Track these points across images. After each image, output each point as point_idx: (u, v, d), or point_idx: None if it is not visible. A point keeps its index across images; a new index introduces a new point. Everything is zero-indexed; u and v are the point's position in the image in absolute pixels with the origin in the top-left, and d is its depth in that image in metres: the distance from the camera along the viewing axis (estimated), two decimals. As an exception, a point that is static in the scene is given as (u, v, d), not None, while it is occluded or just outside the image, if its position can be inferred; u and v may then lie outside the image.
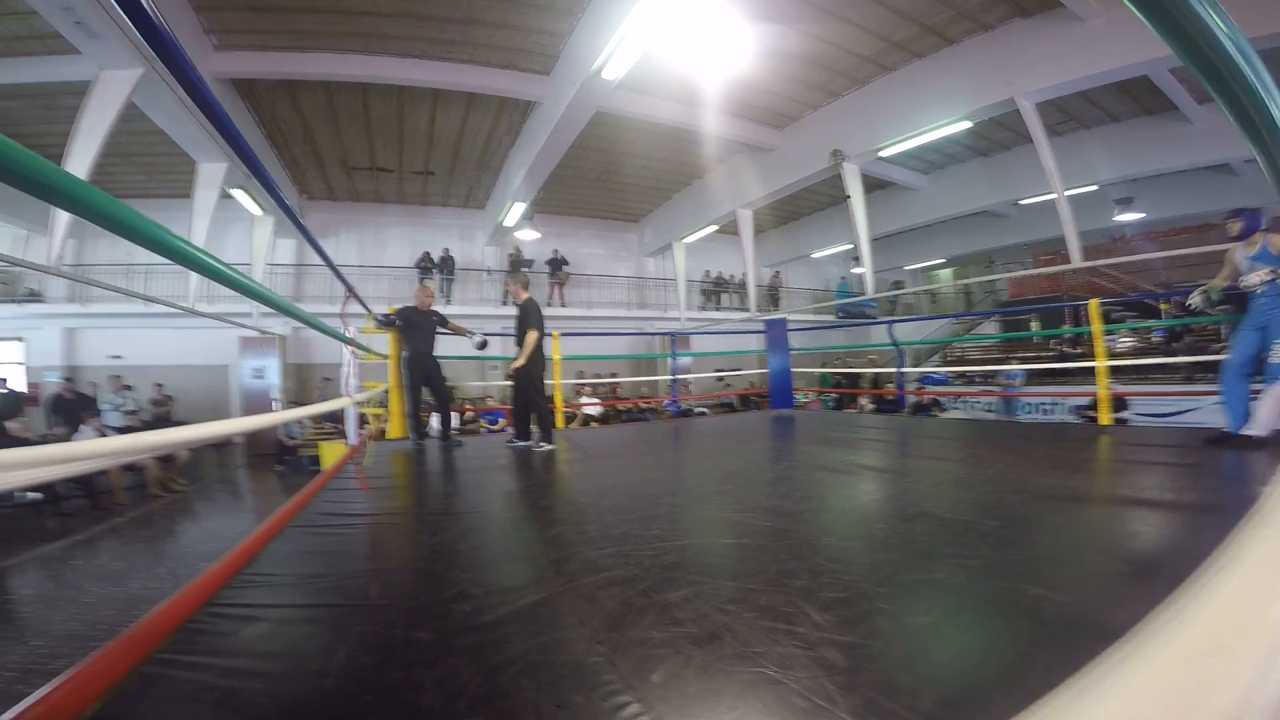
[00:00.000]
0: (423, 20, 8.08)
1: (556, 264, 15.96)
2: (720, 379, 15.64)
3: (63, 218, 7.58)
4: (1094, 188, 12.51)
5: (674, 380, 8.52)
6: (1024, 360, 14.09)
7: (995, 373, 11.99)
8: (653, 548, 2.07)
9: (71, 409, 9.68)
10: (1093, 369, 5.40)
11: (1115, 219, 13.77)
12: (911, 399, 9.84)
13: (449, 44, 8.64)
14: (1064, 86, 8.29)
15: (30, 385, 12.66)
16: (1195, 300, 4.31)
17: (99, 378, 11.44)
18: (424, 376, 5.42)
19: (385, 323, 5.51)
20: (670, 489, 3.30)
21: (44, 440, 8.72)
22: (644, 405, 12.94)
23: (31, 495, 7.56)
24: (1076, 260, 8.72)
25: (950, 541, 2.05)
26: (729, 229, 15.04)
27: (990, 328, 16.93)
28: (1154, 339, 11.75)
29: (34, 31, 7.35)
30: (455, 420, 6.94)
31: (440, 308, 6.18)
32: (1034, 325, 14.87)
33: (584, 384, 12.79)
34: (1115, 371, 9.19)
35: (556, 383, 7.24)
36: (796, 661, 1.24)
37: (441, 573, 1.94)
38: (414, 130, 11.47)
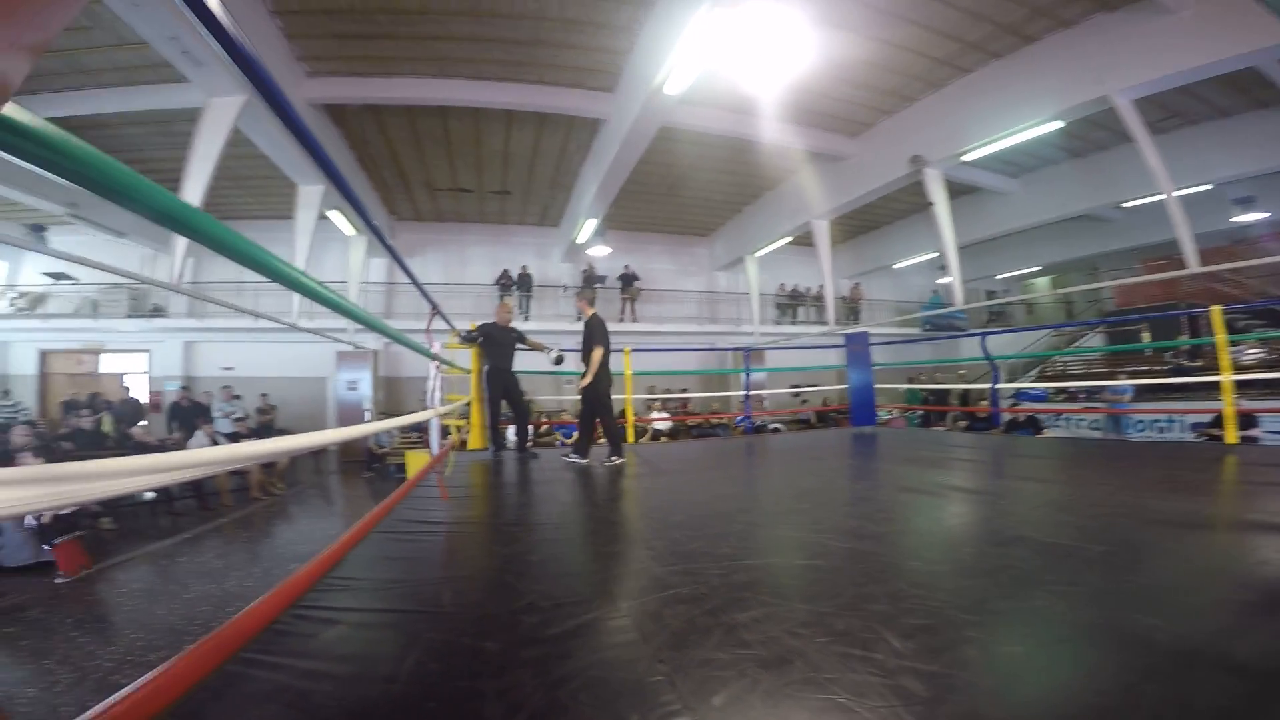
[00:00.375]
0: (491, 43, 8.42)
1: (628, 280, 16.12)
2: (796, 395, 15.26)
3: (182, 239, 8.26)
4: (1208, 187, 11.40)
5: (747, 396, 8.36)
6: (1133, 374, 12.95)
7: (1101, 388, 11.08)
8: (722, 566, 2.01)
9: (188, 415, 10.58)
10: (1216, 383, 4.86)
11: (1234, 220, 12.50)
12: (1007, 416, 9.23)
13: (517, 65, 8.96)
14: (1160, 82, 7.68)
15: (152, 393, 13.98)
16: None
17: (212, 387, 12.46)
18: (503, 390, 5.55)
19: (467, 339, 5.70)
20: (742, 507, 3.21)
21: (163, 444, 9.58)
22: (715, 421, 12.78)
23: (148, 495, 8.30)
24: (1193, 265, 7.95)
25: (1051, 567, 1.87)
26: (804, 240, 14.72)
27: (1095, 340, 15.71)
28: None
29: (148, 61, 8.06)
30: (530, 433, 7.08)
31: (518, 324, 6.38)
32: (1145, 336, 13.66)
33: (655, 399, 12.79)
34: (1242, 385, 8.32)
35: (628, 397, 7.26)
36: (872, 690, 1.15)
37: (512, 583, 1.95)
38: (491, 151, 11.93)
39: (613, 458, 4.93)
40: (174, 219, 1.05)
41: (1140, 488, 3.16)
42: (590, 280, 15.76)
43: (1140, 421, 10.12)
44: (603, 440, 5.33)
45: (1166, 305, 14.19)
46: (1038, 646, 1.34)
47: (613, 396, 5.32)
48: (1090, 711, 1.07)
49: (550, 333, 13.57)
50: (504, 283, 15.50)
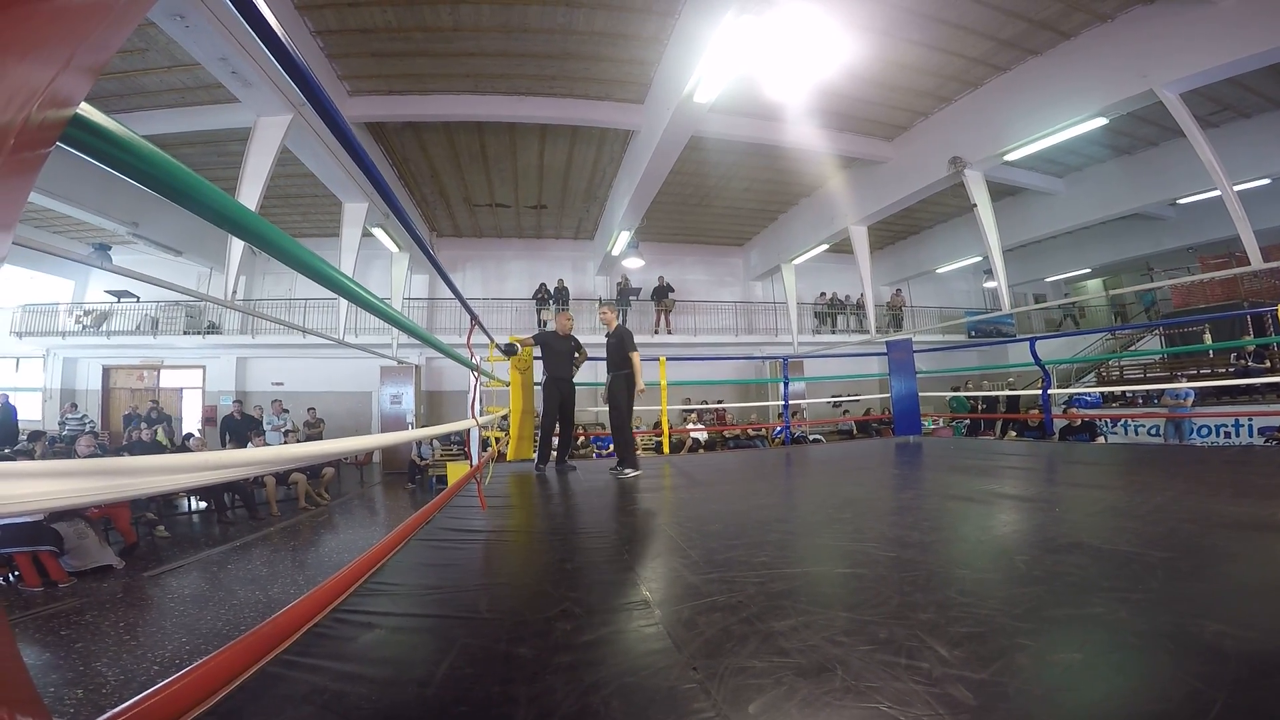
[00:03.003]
0: (523, 58, 8.58)
1: (662, 291, 16.13)
2: (837, 405, 14.98)
3: (235, 256, 8.58)
4: (1265, 181, 10.83)
5: (785, 406, 8.23)
6: (1194, 377, 12.32)
7: (1160, 392, 10.57)
8: (759, 575, 1.96)
9: (240, 428, 10.98)
10: (1288, 385, 4.58)
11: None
12: (1060, 423, 8.87)
13: (549, 79, 9.10)
14: (1207, 75, 7.36)
15: (207, 408, 14.57)
16: None
17: (263, 401, 12.92)
18: (559, 401, 5.40)
19: (508, 351, 5.65)
20: (780, 516, 3.14)
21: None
22: (753, 432, 12.63)
23: (200, 504, 8.60)
24: (1257, 261, 7.54)
25: (1109, 574, 1.77)
26: (842, 247, 14.50)
27: (1153, 342, 15.03)
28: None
29: (200, 82, 8.48)
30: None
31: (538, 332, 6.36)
32: (1206, 338, 13.00)
33: (690, 410, 12.71)
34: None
35: (663, 408, 7.24)
36: (917, 699, 1.10)
37: (548, 590, 1.95)
38: (526, 165, 12.14)
39: (625, 469, 4.87)
40: (233, 221, 1.12)
41: (1204, 493, 2.98)
42: (625, 293, 15.83)
43: (1204, 425, 9.61)
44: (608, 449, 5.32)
45: (1228, 304, 13.50)
46: (1096, 654, 1.26)
47: (645, 408, 5.31)
48: (1155, 718, 1.00)
49: (586, 344, 13.69)
50: (540, 296, 15.69)
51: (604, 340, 5.49)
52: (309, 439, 12.19)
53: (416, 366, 14.71)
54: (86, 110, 0.79)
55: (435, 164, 12.11)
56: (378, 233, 12.58)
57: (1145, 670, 1.21)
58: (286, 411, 12.39)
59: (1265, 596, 1.57)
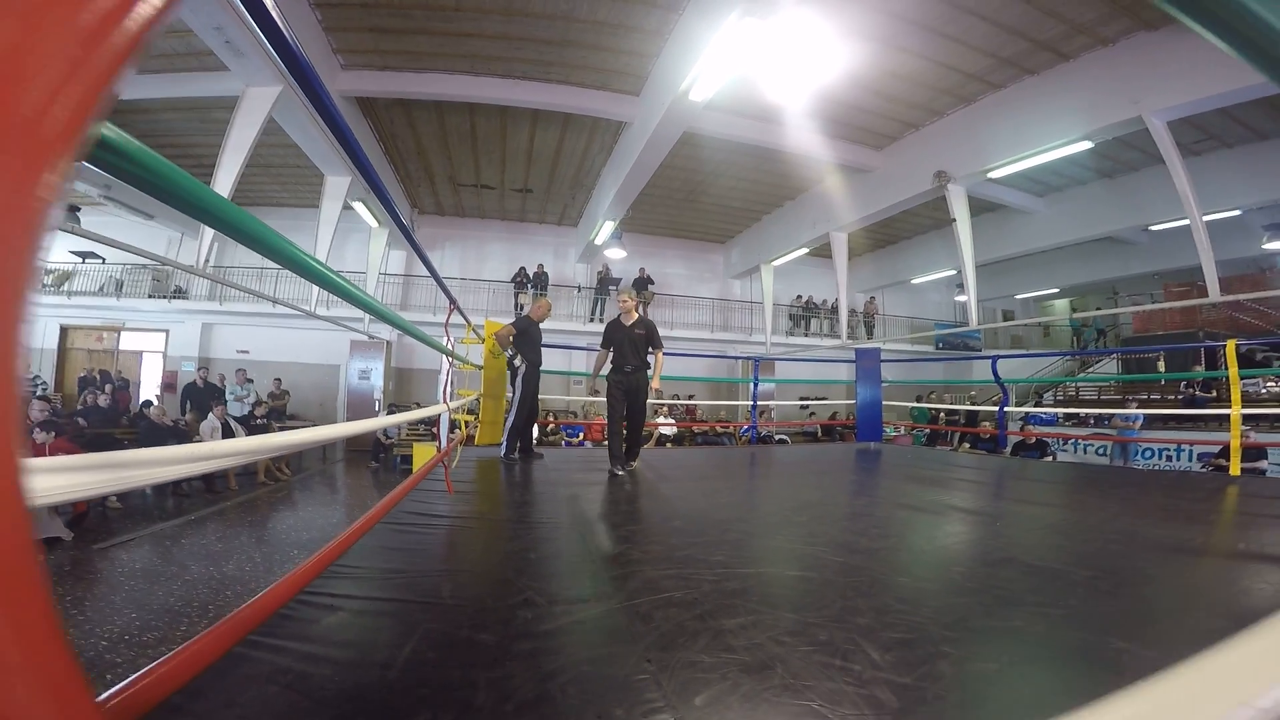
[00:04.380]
0: (522, 42, 8.53)
1: (642, 283, 16.19)
2: (804, 407, 15.24)
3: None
4: (1237, 213, 11.25)
5: (754, 406, 8.39)
6: (1146, 404, 12.84)
7: (1111, 415, 11.00)
8: (715, 573, 2.06)
9: (202, 397, 10.77)
10: (1226, 415, 4.85)
11: (1264, 247, 12.18)
12: (1013, 439, 9.19)
13: (547, 65, 9.06)
14: (1198, 104, 7.53)
15: (167, 373, 14.23)
16: None
17: (227, 370, 12.66)
18: (535, 389, 5.35)
19: (504, 346, 5.48)
20: (740, 516, 3.26)
21: (176, 424, 9.74)
22: (721, 429, 12.80)
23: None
24: (1214, 293, 7.87)
25: (1035, 590, 1.91)
26: (821, 252, 14.71)
27: (1111, 366, 15.57)
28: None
29: (191, 49, 8.28)
30: (535, 431, 7.11)
31: (517, 318, 6.27)
32: (1160, 365, 13.52)
33: (661, 404, 12.82)
34: (1255, 418, 8.24)
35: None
36: (846, 698, 1.20)
37: (511, 579, 2.01)
38: (515, 149, 12.06)
39: (620, 467, 4.66)
40: (199, 207, 1.05)
41: (1135, 515, 3.17)
42: (605, 282, 15.85)
43: (1148, 449, 10.04)
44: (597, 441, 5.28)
45: (1186, 333, 14.05)
46: (1010, 665, 1.38)
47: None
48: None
49: (563, 332, 13.71)
50: (520, 280, 15.63)
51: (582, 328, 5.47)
52: (273, 411, 12.01)
53: (388, 342, 14.53)
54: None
55: (423, 142, 11.96)
56: (358, 207, 12.39)
57: (1050, 683, 1.33)
58: (250, 381, 12.16)
59: (1169, 618, 1.72)
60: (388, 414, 12.31)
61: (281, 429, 10.97)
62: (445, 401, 4.53)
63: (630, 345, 4.77)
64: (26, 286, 0.25)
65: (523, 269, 15.77)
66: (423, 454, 9.19)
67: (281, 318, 13.97)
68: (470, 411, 6.75)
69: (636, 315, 4.87)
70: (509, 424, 5.38)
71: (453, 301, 4.29)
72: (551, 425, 11.51)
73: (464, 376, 6.43)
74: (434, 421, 8.45)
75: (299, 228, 12.65)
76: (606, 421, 4.93)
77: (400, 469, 11.36)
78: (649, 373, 4.87)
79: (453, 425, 5.74)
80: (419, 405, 12.95)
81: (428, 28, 8.30)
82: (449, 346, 4.52)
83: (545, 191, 14.49)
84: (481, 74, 9.34)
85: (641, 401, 4.84)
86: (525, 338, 5.36)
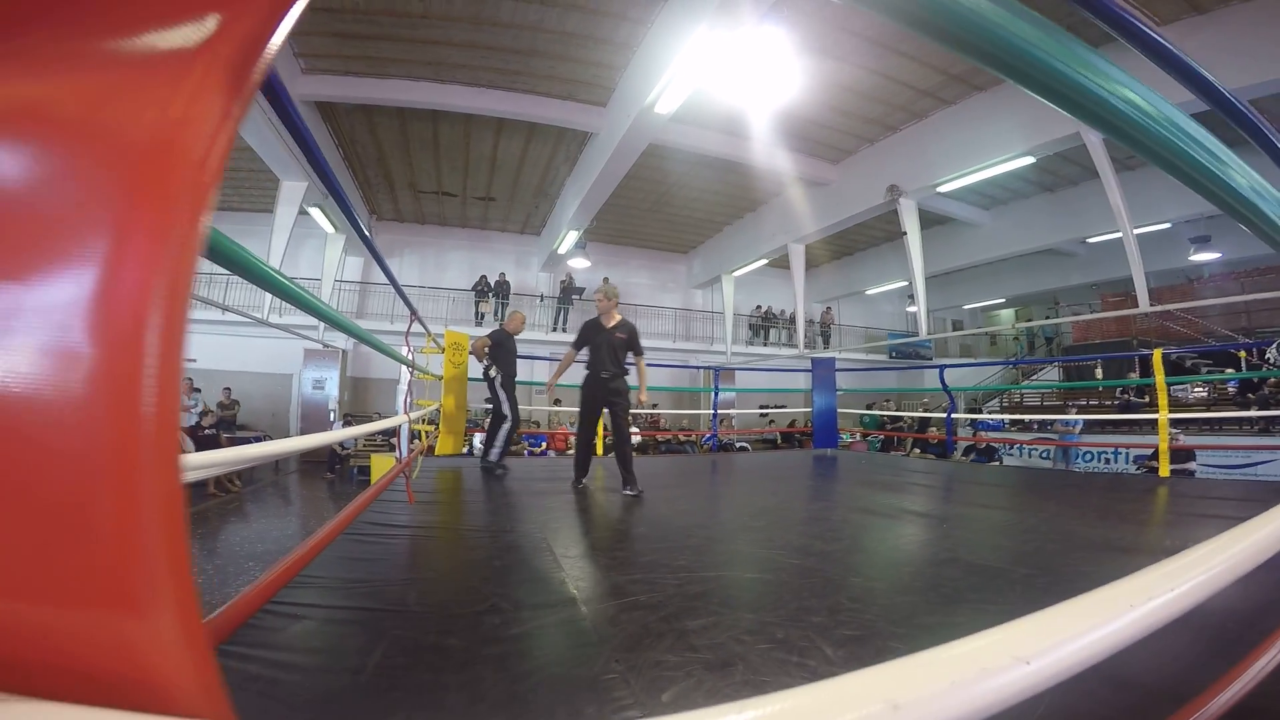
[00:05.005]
0: (489, 51, 8.52)
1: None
2: (764, 415, 15.50)
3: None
4: (1167, 225, 11.90)
5: (715, 415, 8.52)
6: (1085, 409, 13.48)
7: (1052, 421, 11.53)
8: (678, 577, 2.12)
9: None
10: (1156, 420, 5.16)
11: (1191, 259, 12.91)
12: (960, 444, 9.55)
13: (513, 74, 9.07)
14: None
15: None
16: (1272, 354, 4.13)
17: (175, 380, 12.16)
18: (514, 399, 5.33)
19: (479, 357, 5.54)
20: (701, 522, 3.34)
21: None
22: (684, 438, 12.93)
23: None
24: (1144, 303, 8.35)
25: (977, 588, 2.03)
26: (780, 263, 15.02)
27: (1052, 374, 16.28)
28: (1230, 389, 11.07)
29: None
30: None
31: (492, 330, 6.29)
32: (1098, 372, 14.22)
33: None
34: (1185, 422, 8.76)
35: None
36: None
37: (476, 586, 2.04)
38: (479, 157, 12.00)
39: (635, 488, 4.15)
40: None
41: (1073, 515, 3.36)
42: (569, 291, 15.83)
43: (1088, 453, 10.56)
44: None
45: (1121, 342, 14.80)
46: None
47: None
48: None
49: (525, 341, 13.59)
50: (481, 289, 15.49)
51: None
52: (222, 421, 11.61)
53: (343, 351, 14.20)
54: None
55: (384, 148, 11.80)
56: (314, 212, 12.13)
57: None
58: (198, 391, 11.74)
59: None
60: (343, 425, 12.03)
61: (231, 440, 10.63)
62: (406, 412, 4.50)
63: (609, 350, 4.36)
64: (189, 299, 0.33)
65: (484, 277, 15.64)
66: (381, 465, 9.02)
67: (231, 325, 13.51)
68: (430, 422, 6.69)
69: (618, 317, 4.48)
70: (504, 432, 5.30)
71: (414, 312, 4.27)
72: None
73: (424, 386, 6.37)
74: (392, 432, 8.34)
75: (251, 233, 12.27)
76: (576, 431, 4.66)
77: (357, 480, 11.10)
78: (629, 381, 4.55)
79: (413, 435, 5.69)
80: (379, 416, 12.71)
81: (393, 34, 8.23)
82: (409, 357, 4.50)
83: (508, 200, 14.44)
84: (446, 81, 9.30)
85: (621, 412, 4.40)
86: (501, 349, 5.35)
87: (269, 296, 11.92)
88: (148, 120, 0.31)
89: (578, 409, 4.64)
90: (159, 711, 0.29)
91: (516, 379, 5.44)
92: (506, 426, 5.31)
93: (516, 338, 5.58)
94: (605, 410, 4.48)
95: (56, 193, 0.32)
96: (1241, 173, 0.77)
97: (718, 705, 0.31)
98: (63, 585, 0.30)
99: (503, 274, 15.83)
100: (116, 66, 0.32)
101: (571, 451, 5.14)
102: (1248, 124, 0.98)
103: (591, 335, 4.44)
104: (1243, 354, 10.38)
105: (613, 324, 4.43)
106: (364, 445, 11.90)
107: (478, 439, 6.61)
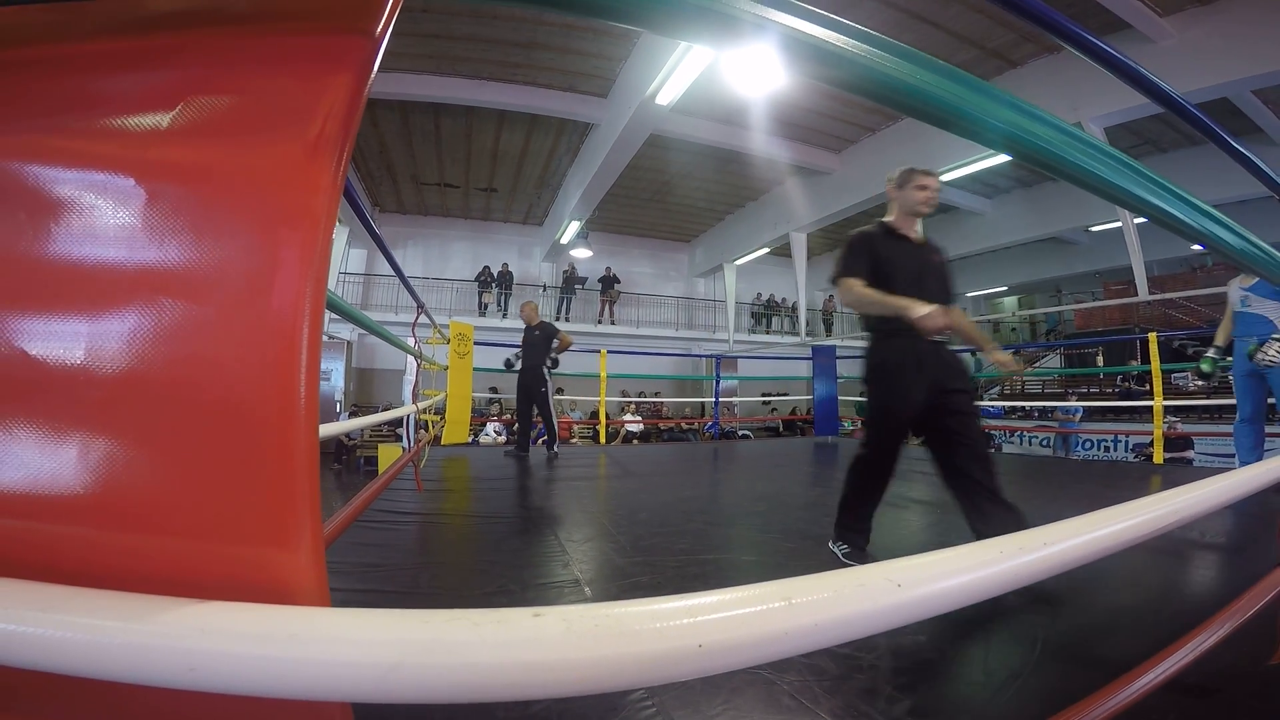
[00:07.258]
0: (490, 44, 8.52)
1: (609, 282, 16.28)
2: (766, 403, 15.57)
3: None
4: (1170, 214, 11.87)
5: (716, 402, 8.60)
6: (1085, 396, 13.50)
7: (1053, 408, 11.57)
8: (678, 560, 2.21)
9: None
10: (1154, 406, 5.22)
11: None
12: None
13: (515, 66, 9.07)
14: (1133, 111, 7.98)
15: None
16: (1204, 366, 4.20)
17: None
18: (529, 391, 5.72)
19: (509, 367, 5.94)
20: (702, 507, 3.42)
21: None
22: (686, 426, 13.02)
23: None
24: (1143, 292, 8.38)
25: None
26: (782, 251, 15.02)
27: (1054, 361, 16.30)
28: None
29: None
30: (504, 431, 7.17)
31: (496, 321, 6.46)
32: (1099, 359, 14.24)
33: (628, 401, 12.99)
34: (1184, 410, 8.79)
35: (601, 399, 7.45)
36: (792, 667, 1.36)
37: (485, 569, 2.13)
38: (480, 149, 12.01)
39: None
40: None
41: (1066, 501, 3.45)
42: (571, 281, 15.89)
43: (1088, 440, 10.60)
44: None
45: (1124, 329, 14.81)
46: (937, 636, 1.58)
47: (585, 397, 5.53)
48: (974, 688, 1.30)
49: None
50: (484, 280, 15.56)
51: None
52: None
53: (348, 343, 14.30)
54: None
55: (385, 140, 11.82)
56: (318, 204, 12.16)
57: (974, 656, 1.54)
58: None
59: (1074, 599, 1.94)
60: (350, 416, 12.15)
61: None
62: (414, 402, 4.60)
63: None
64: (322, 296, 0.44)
65: (487, 268, 15.69)
66: (388, 455, 9.13)
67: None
68: (437, 411, 6.79)
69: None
70: (549, 423, 5.79)
71: (421, 306, 4.36)
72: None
73: (430, 376, 6.46)
74: (398, 422, 8.42)
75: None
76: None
77: (365, 470, 11.23)
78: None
79: (420, 425, 5.79)
80: (390, 406, 12.81)
81: (395, 28, 8.20)
82: (415, 348, 4.59)
83: (511, 191, 14.45)
84: (447, 74, 9.29)
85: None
86: (523, 343, 5.81)
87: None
88: (296, 161, 0.46)
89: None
90: (301, 604, 0.41)
91: (537, 368, 5.79)
92: (553, 418, 5.83)
93: (504, 325, 5.90)
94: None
95: (235, 225, 0.44)
96: (1142, 180, 0.85)
97: (654, 598, 0.40)
98: (238, 517, 0.42)
99: (505, 264, 15.89)
100: (270, 129, 0.47)
101: (574, 440, 5.50)
102: (1199, 122, 1.07)
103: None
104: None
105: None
106: (370, 435, 12.02)
107: (490, 426, 6.72)
